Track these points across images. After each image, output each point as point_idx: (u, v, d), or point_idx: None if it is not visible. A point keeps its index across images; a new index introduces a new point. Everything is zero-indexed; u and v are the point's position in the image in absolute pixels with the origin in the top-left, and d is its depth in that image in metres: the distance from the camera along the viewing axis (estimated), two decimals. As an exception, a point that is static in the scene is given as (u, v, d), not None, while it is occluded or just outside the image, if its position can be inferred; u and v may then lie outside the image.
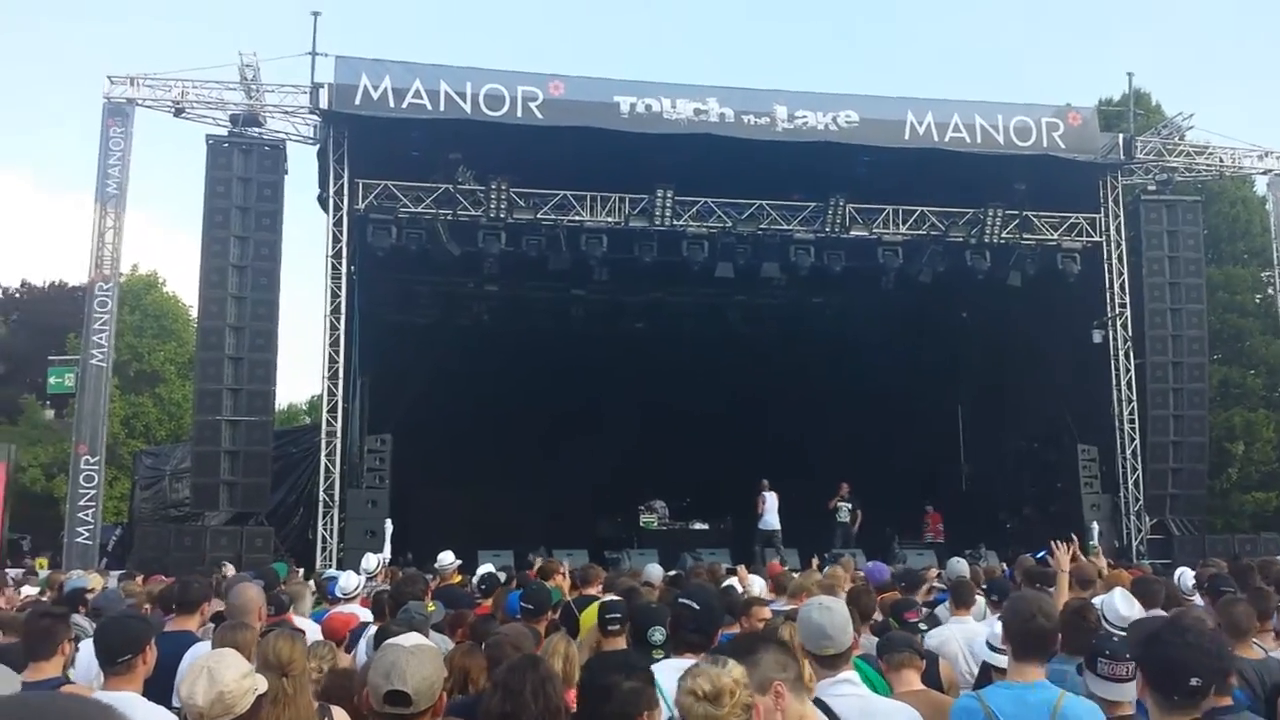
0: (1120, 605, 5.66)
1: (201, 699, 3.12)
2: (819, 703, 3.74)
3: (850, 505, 21.42)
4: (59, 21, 78.70)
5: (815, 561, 13.35)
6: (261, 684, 3.34)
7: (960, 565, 8.80)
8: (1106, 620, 5.36)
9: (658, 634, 4.49)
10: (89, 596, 8.62)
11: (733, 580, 9.06)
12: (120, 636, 4.28)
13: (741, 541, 19.76)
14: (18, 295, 41.97)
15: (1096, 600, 5.95)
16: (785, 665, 3.00)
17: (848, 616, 4.04)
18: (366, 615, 7.36)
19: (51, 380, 30.33)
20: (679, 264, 19.57)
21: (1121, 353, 20.28)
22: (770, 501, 19.96)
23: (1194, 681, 3.15)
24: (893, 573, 9.67)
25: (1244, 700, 4.25)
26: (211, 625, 6.06)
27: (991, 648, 4.77)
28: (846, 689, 3.84)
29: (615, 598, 6.38)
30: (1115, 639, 4.56)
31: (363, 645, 6.16)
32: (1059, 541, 7.33)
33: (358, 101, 17.52)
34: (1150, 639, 3.51)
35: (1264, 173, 22.33)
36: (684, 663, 3.90)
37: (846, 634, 3.98)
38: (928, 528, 22.05)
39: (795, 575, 9.64)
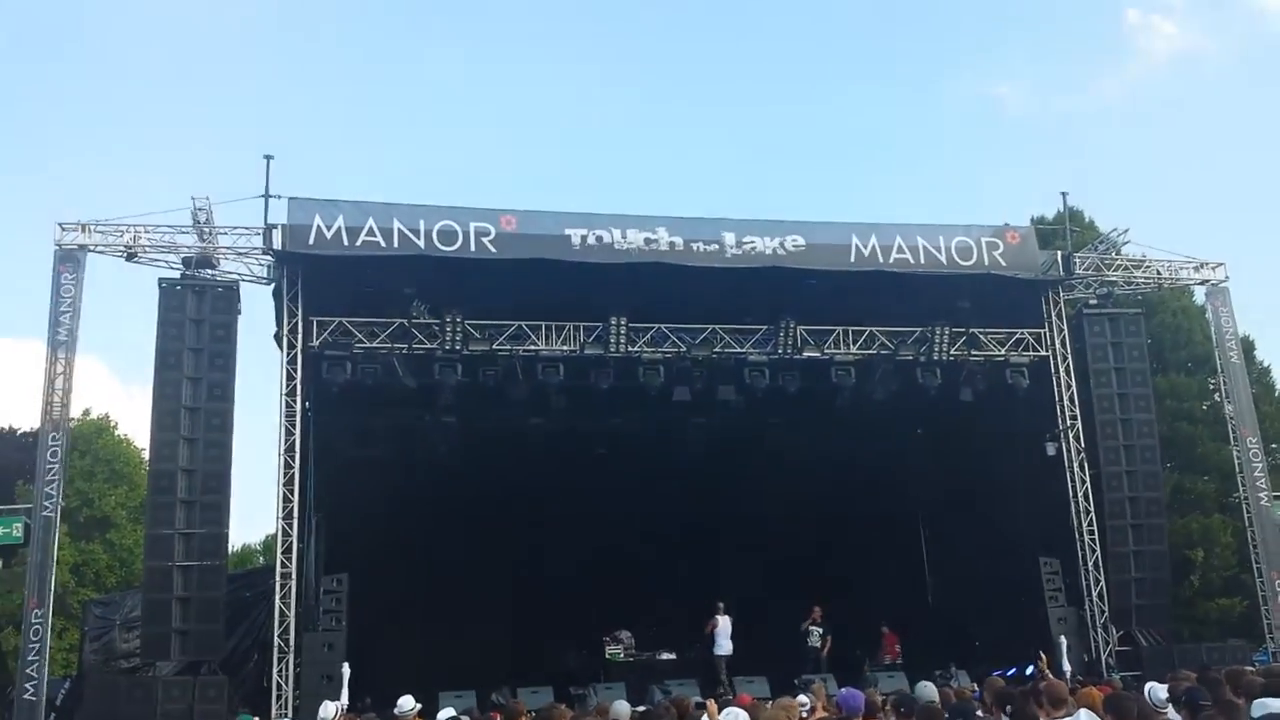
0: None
1: None
2: None
3: (821, 630, 21.27)
4: (8, 169, 79.20)
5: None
6: None
7: (928, 690, 8.67)
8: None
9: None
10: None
11: (703, 717, 8.86)
12: None
13: (710, 671, 19.39)
14: (-37, 441, 41.11)
15: (1067, 720, 5.91)
16: None
17: None
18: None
19: (-1, 530, 29.52)
20: (636, 389, 19.64)
21: (1076, 464, 20.46)
22: (723, 625, 19.83)
23: None
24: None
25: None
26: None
27: None
28: None
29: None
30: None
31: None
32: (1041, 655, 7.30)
33: (311, 241, 17.64)
34: None
35: (1201, 283, 22.95)
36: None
37: None
38: (884, 649, 21.74)
39: (768, 705, 9.47)
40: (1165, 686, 8.54)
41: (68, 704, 18.91)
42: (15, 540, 20.50)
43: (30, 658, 16.20)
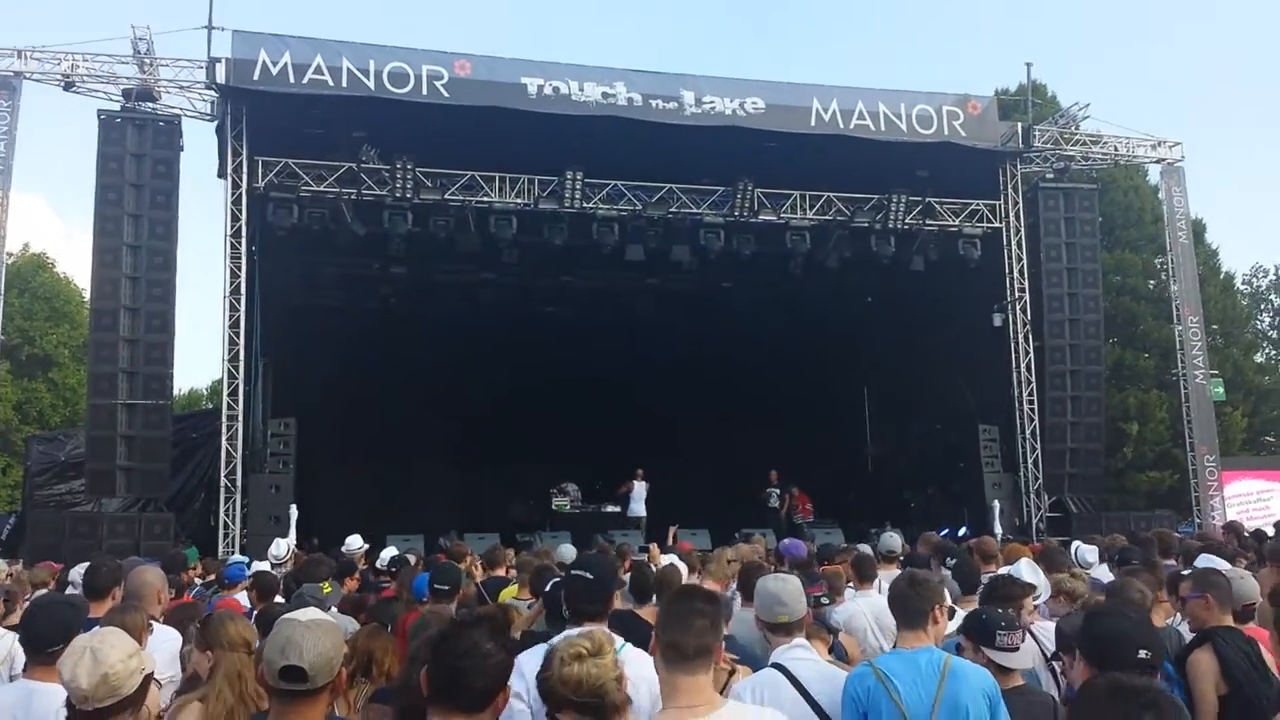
0: (1026, 574, 5.84)
1: (85, 681, 2.98)
2: (779, 667, 3.90)
3: (779, 491, 21.83)
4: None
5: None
6: (149, 664, 3.21)
7: (893, 540, 8.96)
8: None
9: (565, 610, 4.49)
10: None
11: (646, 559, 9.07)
12: (49, 624, 4.07)
13: (652, 524, 19.82)
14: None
15: (1001, 571, 6.11)
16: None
17: (800, 587, 4.17)
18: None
19: (-64, 364, 29.08)
20: (589, 247, 19.46)
21: (1021, 336, 20.77)
22: (638, 490, 20.50)
23: (1142, 653, 3.10)
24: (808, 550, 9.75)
25: (1170, 671, 4.35)
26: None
27: None
28: (802, 653, 4.04)
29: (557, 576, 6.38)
30: (1007, 610, 4.69)
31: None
32: None
33: (256, 77, 17.01)
34: (1090, 617, 3.53)
35: (1157, 161, 23.01)
36: (585, 630, 3.91)
37: (800, 603, 4.20)
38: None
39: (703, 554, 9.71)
40: (1093, 548, 8.89)
41: (12, 538, 18.99)
42: (-47, 373, 20.18)
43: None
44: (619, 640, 3.84)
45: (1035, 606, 5.64)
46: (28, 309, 35.34)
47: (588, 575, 4.07)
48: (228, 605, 6.54)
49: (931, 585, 4.19)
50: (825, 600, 6.12)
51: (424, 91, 17.45)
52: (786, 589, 4.21)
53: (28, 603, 6.75)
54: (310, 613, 2.94)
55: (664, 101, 18.51)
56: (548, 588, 5.54)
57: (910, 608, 4.04)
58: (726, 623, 4.16)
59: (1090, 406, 20.66)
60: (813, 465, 23.83)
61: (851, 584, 7.16)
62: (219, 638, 3.84)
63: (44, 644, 3.95)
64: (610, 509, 21.55)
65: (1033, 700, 4.26)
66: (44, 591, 7.91)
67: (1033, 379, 20.64)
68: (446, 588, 6.55)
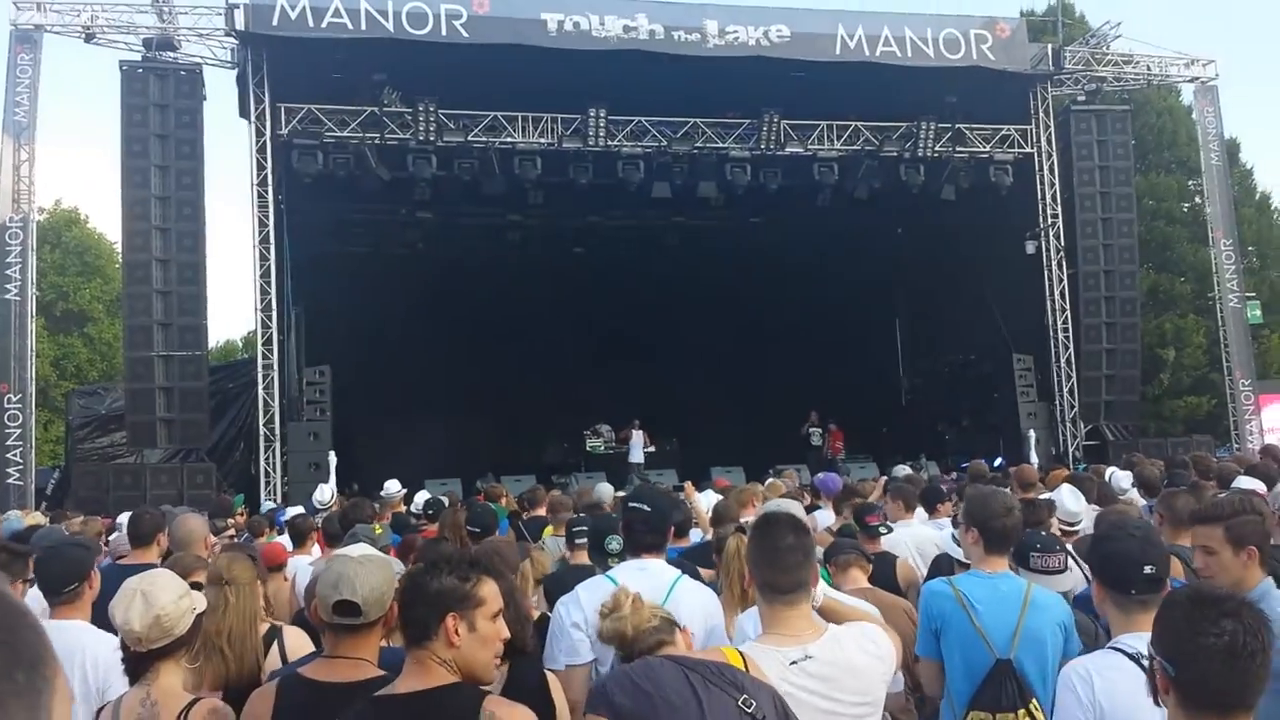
0: (1068, 501, 5.79)
1: (138, 623, 3.01)
2: None
3: (821, 430, 21.87)
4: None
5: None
6: (200, 603, 3.24)
7: (905, 470, 8.93)
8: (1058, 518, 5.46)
9: (614, 543, 4.50)
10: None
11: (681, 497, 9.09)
12: (62, 565, 4.12)
13: (687, 462, 19.89)
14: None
15: (1043, 497, 6.07)
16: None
17: (804, 512, 4.11)
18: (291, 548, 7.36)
19: (-28, 321, 29.37)
20: (615, 185, 19.33)
21: (1054, 263, 20.52)
22: (635, 438, 20.72)
23: (1148, 569, 3.12)
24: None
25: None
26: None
27: (959, 543, 4.83)
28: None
29: (580, 514, 6.40)
30: (1043, 533, 4.66)
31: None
32: None
33: (275, 22, 16.90)
34: (1096, 540, 3.54)
35: (1190, 80, 22.51)
36: (642, 562, 3.91)
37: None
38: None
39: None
40: (1127, 474, 8.82)
41: (57, 493, 19.26)
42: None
43: (10, 443, 16.36)
44: (673, 573, 3.85)
45: (1077, 533, 5.61)
46: (60, 264, 35.60)
47: (646, 508, 4.04)
48: (270, 549, 6.63)
49: (1019, 513, 4.15)
50: (884, 530, 6.13)
51: (443, 31, 17.27)
52: (793, 511, 4.10)
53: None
54: (361, 548, 2.96)
55: (686, 33, 18.24)
56: (580, 526, 5.56)
57: (1001, 534, 3.97)
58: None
59: (1126, 333, 20.43)
60: (845, 399, 23.77)
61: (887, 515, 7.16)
62: (213, 573, 3.89)
63: (60, 584, 4.02)
64: (649, 449, 21.60)
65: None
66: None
67: (1067, 306, 20.43)
68: (479, 529, 6.59)
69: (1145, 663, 2.89)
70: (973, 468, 10.41)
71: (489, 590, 2.57)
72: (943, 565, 5.31)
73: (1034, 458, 18.18)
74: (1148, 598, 3.06)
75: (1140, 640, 2.99)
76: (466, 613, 2.51)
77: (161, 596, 3.06)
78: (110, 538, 7.87)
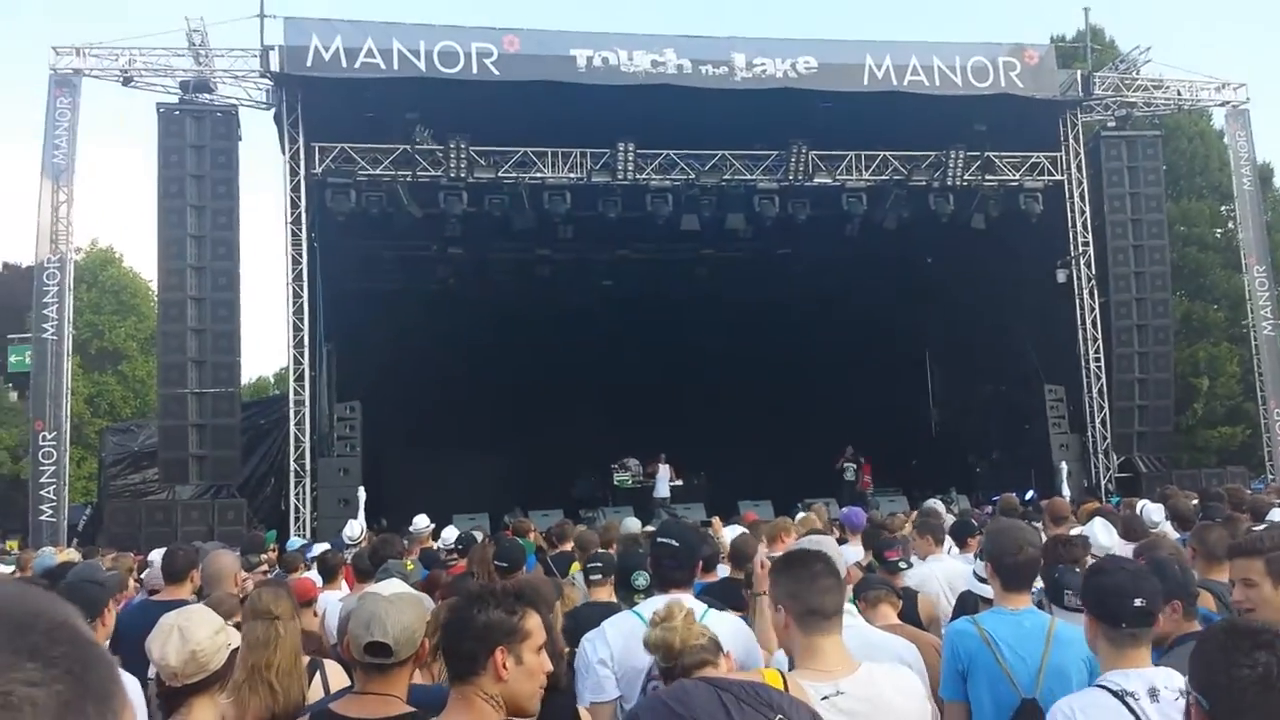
0: (1101, 536, 5.73)
1: (174, 659, 3.04)
2: None
3: (855, 465, 21.79)
4: (-2, -5, 76.62)
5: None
6: (235, 639, 3.26)
7: (937, 506, 8.86)
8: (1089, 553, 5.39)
9: (640, 579, 4.48)
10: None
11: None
12: (78, 602, 4.15)
13: (715, 496, 19.81)
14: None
15: (1074, 531, 6.01)
16: (793, 594, 3.02)
17: (838, 548, 4.06)
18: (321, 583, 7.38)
19: (12, 359, 29.78)
20: (644, 218, 19.44)
21: (1085, 291, 20.38)
22: (662, 472, 20.76)
23: (1139, 602, 3.09)
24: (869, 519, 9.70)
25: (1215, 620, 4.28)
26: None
27: (979, 578, 4.78)
28: (846, 619, 3.82)
29: (600, 550, 6.40)
30: (1075, 571, 4.61)
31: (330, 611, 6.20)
32: None
33: (309, 63, 17.19)
34: (1089, 574, 3.53)
35: (1221, 104, 22.37)
36: (669, 597, 3.89)
37: (840, 563, 3.95)
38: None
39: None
40: (1159, 507, 8.71)
41: (89, 529, 19.44)
42: (28, 368, 20.66)
43: (44, 480, 16.55)
44: (701, 606, 3.82)
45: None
46: (96, 303, 36.10)
47: (674, 543, 4.02)
48: (302, 584, 6.65)
49: (1040, 547, 4.12)
50: (904, 565, 6.07)
51: (474, 70, 17.50)
52: (822, 549, 4.08)
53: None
54: (393, 585, 2.97)
55: (714, 67, 18.36)
56: (596, 562, 5.57)
57: (1019, 570, 3.95)
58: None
59: (1159, 362, 20.21)
60: (875, 431, 23.63)
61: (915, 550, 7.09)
62: (248, 608, 3.90)
63: None
64: (673, 482, 21.56)
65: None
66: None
67: (1099, 335, 20.25)
68: (506, 564, 6.59)
69: (1129, 701, 2.86)
70: (1003, 501, 10.31)
71: (534, 623, 2.57)
72: (967, 603, 5.26)
73: (1066, 490, 17.98)
74: (1138, 631, 3.06)
75: (1126, 678, 2.99)
76: (514, 646, 2.50)
77: (198, 632, 3.09)
78: (143, 574, 7.93)
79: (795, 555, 3.24)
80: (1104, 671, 3.10)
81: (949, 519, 9.26)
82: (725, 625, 3.77)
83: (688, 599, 3.90)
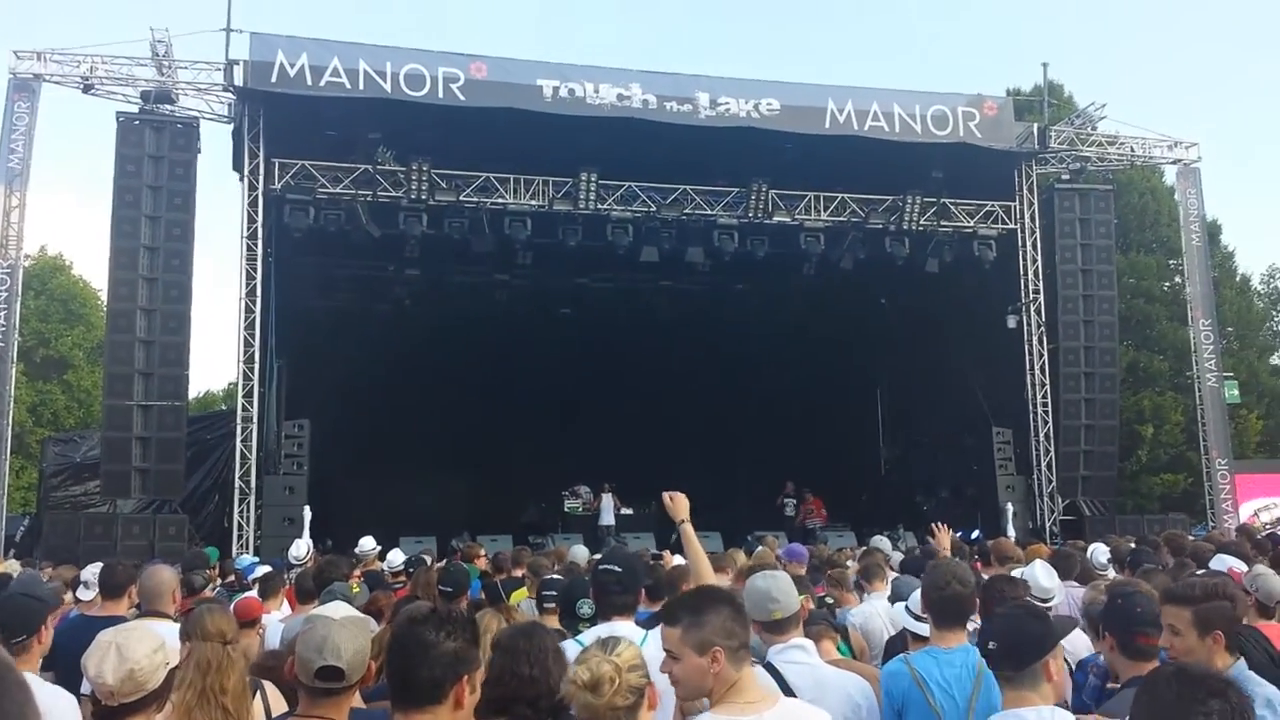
0: (1041, 577, 5.81)
1: (111, 677, 2.99)
2: (770, 668, 3.73)
3: (795, 500, 21.94)
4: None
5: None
6: (174, 658, 3.22)
7: (883, 543, 8.93)
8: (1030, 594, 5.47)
9: (585, 607, 4.48)
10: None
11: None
12: (16, 617, 4.09)
13: (664, 526, 19.77)
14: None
15: (1017, 572, 6.09)
16: (731, 633, 2.92)
17: (790, 580, 4.03)
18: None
19: (-48, 366, 29.17)
20: (604, 248, 19.48)
21: (1035, 337, 20.71)
22: (605, 502, 21.01)
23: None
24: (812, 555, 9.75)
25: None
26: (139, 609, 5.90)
27: (912, 615, 4.82)
28: (798, 656, 3.80)
29: (554, 577, 6.38)
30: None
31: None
32: (939, 525, 7.53)
33: (273, 79, 17.09)
34: (1114, 595, 3.57)
35: (1173, 162, 22.90)
36: (611, 625, 3.89)
37: (793, 597, 3.95)
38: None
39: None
40: (1107, 549, 8.87)
41: (26, 540, 19.02)
42: (-30, 375, 20.24)
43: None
44: (641, 634, 3.80)
45: (1051, 609, 5.62)
46: (43, 311, 35.52)
47: (617, 569, 4.04)
48: (247, 603, 6.56)
49: (971, 583, 4.16)
50: (829, 601, 6.12)
51: (440, 94, 17.49)
52: (777, 583, 3.94)
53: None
54: (341, 608, 2.96)
55: (679, 103, 18.52)
56: (548, 590, 5.57)
57: (948, 606, 3.99)
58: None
59: (1105, 409, 20.55)
60: (825, 468, 23.79)
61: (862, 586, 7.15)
62: (196, 628, 3.86)
63: (8, 636, 3.99)
64: (623, 511, 21.54)
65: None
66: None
67: (1047, 381, 20.57)
68: (450, 589, 6.56)
69: None
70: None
71: (479, 652, 2.60)
72: (896, 644, 5.32)
73: (1011, 531, 18.19)
74: (1009, 674, 3.10)
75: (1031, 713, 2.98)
76: (472, 675, 2.52)
77: (136, 650, 3.04)
78: (76, 592, 7.77)
79: (695, 592, 3.25)
80: (1005, 708, 3.10)
81: (896, 556, 9.37)
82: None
83: (629, 626, 3.90)
